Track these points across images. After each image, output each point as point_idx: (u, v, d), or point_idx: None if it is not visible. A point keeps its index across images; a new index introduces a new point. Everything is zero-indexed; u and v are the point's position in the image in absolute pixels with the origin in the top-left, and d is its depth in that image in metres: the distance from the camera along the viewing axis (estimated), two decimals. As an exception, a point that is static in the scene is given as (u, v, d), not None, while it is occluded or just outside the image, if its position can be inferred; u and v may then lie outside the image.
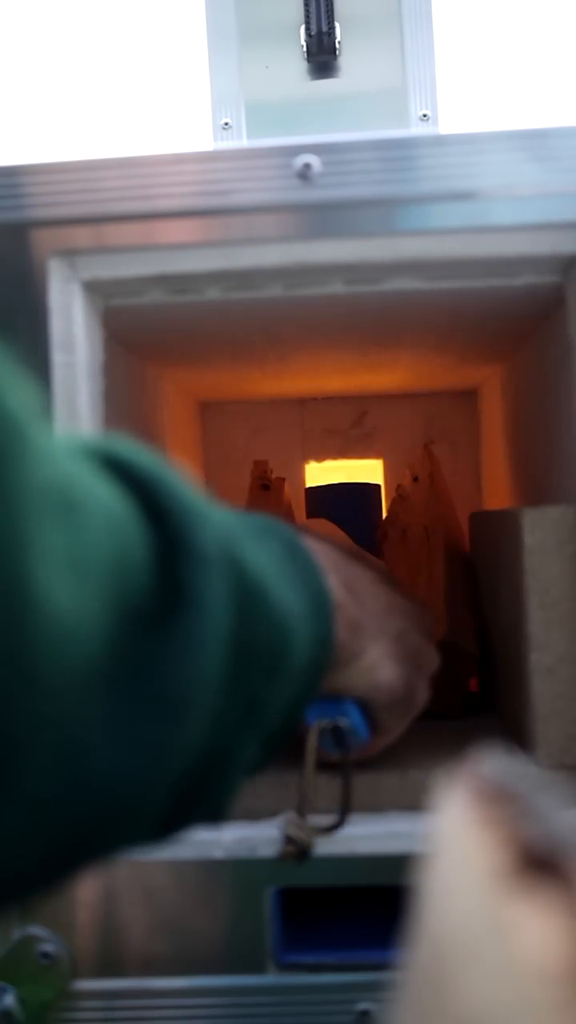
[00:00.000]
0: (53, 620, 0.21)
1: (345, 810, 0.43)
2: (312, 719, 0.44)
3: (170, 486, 0.27)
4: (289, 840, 0.43)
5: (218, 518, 0.28)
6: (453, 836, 0.17)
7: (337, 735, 0.43)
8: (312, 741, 0.43)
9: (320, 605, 0.35)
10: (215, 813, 0.31)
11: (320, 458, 0.93)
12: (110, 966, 0.47)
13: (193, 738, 0.26)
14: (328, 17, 0.71)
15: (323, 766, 0.44)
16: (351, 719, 0.43)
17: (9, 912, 0.45)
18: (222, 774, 0.30)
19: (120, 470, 0.26)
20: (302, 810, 0.43)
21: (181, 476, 0.28)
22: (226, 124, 0.73)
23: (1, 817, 0.22)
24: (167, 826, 0.29)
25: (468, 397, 0.91)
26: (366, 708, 0.44)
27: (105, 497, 0.24)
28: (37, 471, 0.21)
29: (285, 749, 0.35)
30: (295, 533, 0.36)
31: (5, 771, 0.21)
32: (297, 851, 0.43)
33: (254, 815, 0.48)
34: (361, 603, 0.41)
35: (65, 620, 0.21)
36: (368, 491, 0.86)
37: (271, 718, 0.31)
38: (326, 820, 0.44)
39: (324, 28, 0.71)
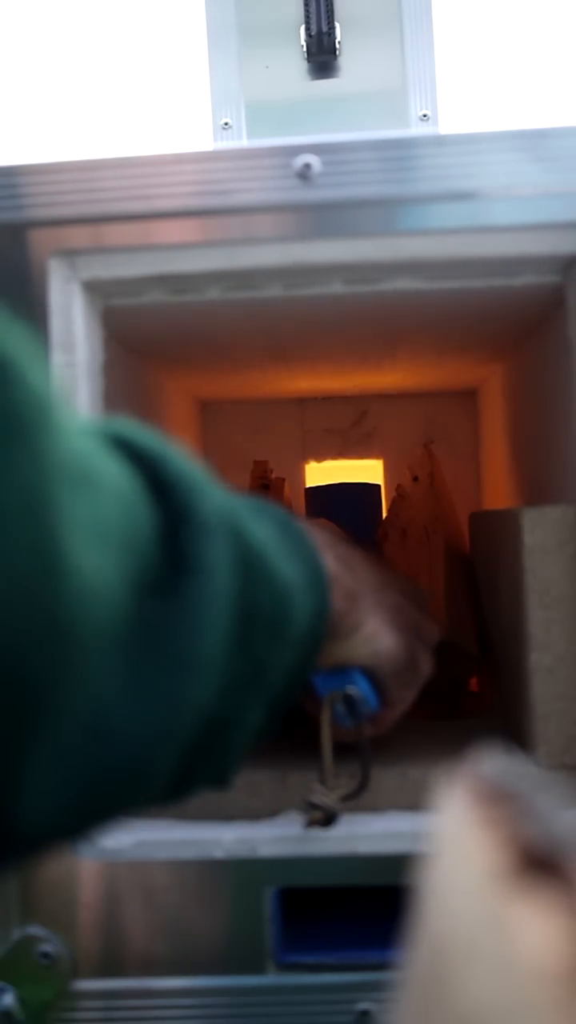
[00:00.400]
0: (80, 583, 0.22)
1: (365, 776, 0.44)
2: (324, 691, 0.45)
3: (173, 461, 0.28)
4: (315, 807, 0.44)
5: (218, 492, 0.30)
6: (453, 836, 0.17)
7: (348, 703, 0.45)
8: (327, 711, 0.44)
9: (316, 577, 0.36)
10: (222, 776, 0.33)
11: (320, 458, 0.93)
12: (110, 966, 0.47)
13: (204, 696, 0.27)
14: (328, 17, 0.71)
15: (340, 747, 0.46)
16: (360, 688, 0.45)
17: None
18: (230, 735, 0.31)
19: (126, 448, 0.28)
20: (324, 778, 0.45)
21: (183, 452, 0.29)
22: (226, 124, 0.73)
23: (35, 766, 0.23)
24: (178, 787, 0.30)
25: (468, 397, 0.91)
26: (373, 678, 0.45)
27: (115, 473, 0.26)
28: (61, 444, 0.23)
29: (288, 721, 0.36)
30: (288, 513, 0.37)
31: (40, 723, 0.23)
32: (324, 816, 0.44)
33: (254, 815, 0.48)
34: (357, 576, 0.42)
35: (91, 584, 0.23)
36: (368, 491, 0.86)
37: (274, 682, 0.32)
38: (348, 788, 0.45)
39: (324, 28, 0.71)
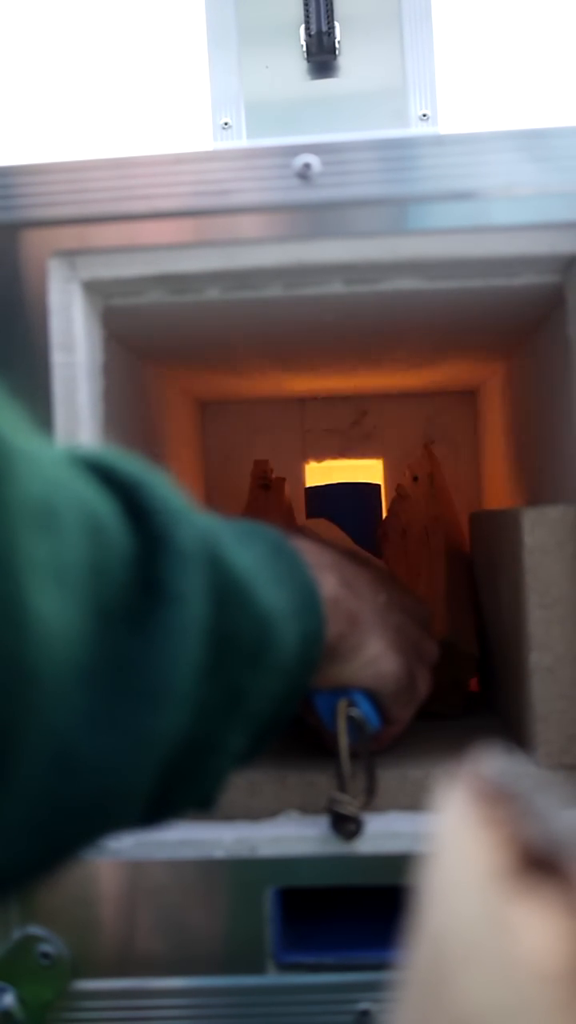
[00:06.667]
0: (42, 627, 0.22)
1: (371, 793, 0.46)
2: (324, 711, 0.46)
3: (152, 488, 0.28)
4: (347, 818, 0.45)
5: (199, 519, 0.30)
6: (453, 836, 0.17)
7: (352, 723, 0.46)
8: (342, 720, 0.45)
9: (308, 602, 0.36)
10: (204, 800, 0.33)
11: (320, 458, 0.93)
12: (110, 966, 0.47)
13: (176, 725, 0.27)
14: (328, 17, 0.71)
15: (336, 754, 0.46)
16: (362, 709, 0.45)
17: (8, 900, 0.45)
18: (208, 761, 0.31)
19: (105, 475, 0.28)
20: (344, 787, 0.45)
21: (165, 480, 0.29)
22: (226, 124, 0.73)
23: (1, 806, 0.23)
24: (156, 812, 0.30)
25: (468, 397, 0.91)
26: (373, 699, 0.46)
27: (88, 502, 0.26)
28: (22, 485, 0.23)
29: (277, 742, 0.37)
30: (282, 536, 0.37)
31: (4, 763, 0.23)
32: (357, 827, 0.45)
33: (254, 815, 0.48)
34: (360, 598, 0.42)
35: (52, 626, 0.23)
36: (368, 491, 0.86)
37: (256, 709, 0.32)
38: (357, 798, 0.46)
39: (324, 28, 0.71)
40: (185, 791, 0.31)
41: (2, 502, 0.22)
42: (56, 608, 0.23)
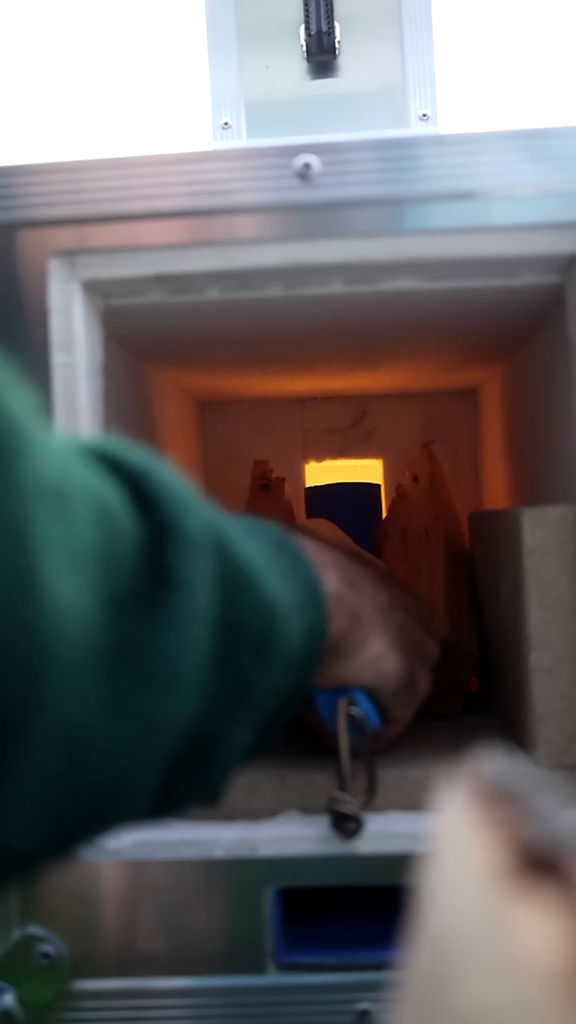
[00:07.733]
0: (57, 606, 0.22)
1: (371, 793, 0.46)
2: (325, 709, 0.46)
3: (159, 477, 0.28)
4: (346, 817, 0.45)
5: (205, 509, 0.30)
6: (453, 836, 0.17)
7: (352, 722, 0.46)
8: (342, 719, 0.45)
9: (311, 596, 0.36)
10: (211, 792, 0.33)
11: (320, 458, 0.93)
12: (110, 966, 0.47)
13: (184, 713, 0.27)
14: (328, 17, 0.71)
15: (335, 754, 0.46)
16: (362, 708, 0.46)
17: (13, 889, 0.45)
18: (215, 752, 0.31)
19: (112, 464, 0.28)
20: (344, 786, 0.45)
21: (171, 469, 0.29)
22: (226, 124, 0.73)
23: (13, 790, 0.23)
24: (164, 803, 0.30)
25: (468, 397, 0.91)
26: (374, 698, 0.46)
27: (97, 489, 0.26)
28: (37, 467, 0.23)
29: (282, 737, 0.36)
30: (285, 532, 0.37)
31: (18, 745, 0.23)
32: (357, 826, 0.45)
33: (254, 815, 0.48)
34: (362, 596, 0.42)
35: (67, 606, 0.23)
36: (368, 491, 0.86)
37: (262, 700, 0.32)
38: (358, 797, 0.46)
39: (324, 28, 0.71)
40: (192, 783, 0.31)
41: (17, 480, 0.22)
42: (71, 589, 0.23)
